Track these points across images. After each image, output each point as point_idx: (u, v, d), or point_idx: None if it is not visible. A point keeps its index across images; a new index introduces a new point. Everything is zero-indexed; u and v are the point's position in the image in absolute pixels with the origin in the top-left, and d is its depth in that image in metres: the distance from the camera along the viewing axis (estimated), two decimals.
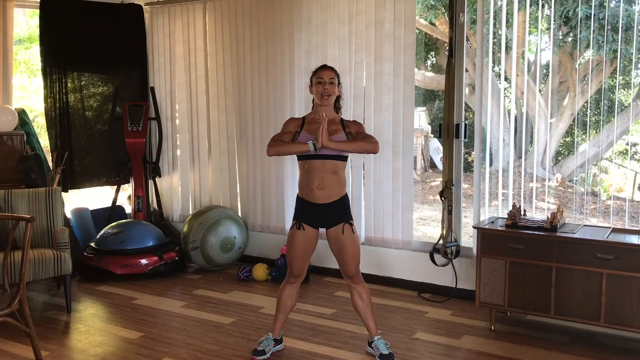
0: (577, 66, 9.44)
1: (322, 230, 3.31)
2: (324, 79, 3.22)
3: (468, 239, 4.80)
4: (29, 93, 9.90)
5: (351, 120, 3.38)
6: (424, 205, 9.86)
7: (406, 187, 4.63)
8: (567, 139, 10.42)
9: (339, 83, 3.29)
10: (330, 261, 4.82)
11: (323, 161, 3.19)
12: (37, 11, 5.38)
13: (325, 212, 3.25)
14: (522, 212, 3.90)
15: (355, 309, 3.38)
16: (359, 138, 3.22)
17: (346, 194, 3.32)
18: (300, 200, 3.33)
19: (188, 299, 4.46)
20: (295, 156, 3.42)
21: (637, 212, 8.40)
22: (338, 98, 3.34)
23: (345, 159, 3.28)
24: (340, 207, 3.28)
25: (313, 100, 3.33)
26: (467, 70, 4.57)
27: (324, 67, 3.30)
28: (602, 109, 9.37)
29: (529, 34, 9.63)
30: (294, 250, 3.31)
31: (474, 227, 3.93)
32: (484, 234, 3.74)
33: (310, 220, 3.28)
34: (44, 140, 5.75)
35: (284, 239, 5.13)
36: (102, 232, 5.10)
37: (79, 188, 5.72)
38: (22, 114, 5.23)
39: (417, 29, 7.42)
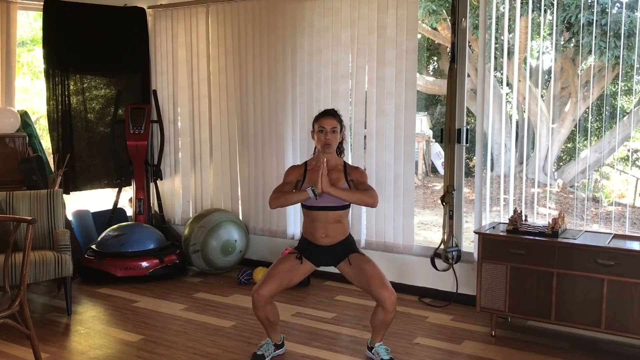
0: (579, 72, 9.45)
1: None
2: (326, 128, 3.21)
3: (469, 244, 4.80)
4: (32, 95, 9.92)
5: (354, 166, 3.38)
6: (425, 209, 9.85)
7: (407, 191, 4.63)
8: (569, 145, 10.41)
9: (341, 129, 3.29)
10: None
11: (326, 212, 3.24)
12: (41, 14, 5.40)
13: (331, 252, 3.31)
14: (523, 218, 3.90)
15: (372, 322, 3.31)
16: (360, 189, 3.23)
17: (349, 234, 3.38)
18: (304, 239, 3.37)
19: (188, 302, 4.46)
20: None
21: (639, 219, 8.39)
22: (341, 142, 3.35)
23: (347, 207, 3.31)
24: (345, 245, 3.32)
25: (315, 149, 3.34)
26: (469, 76, 4.56)
27: (326, 114, 3.27)
28: (603, 115, 9.37)
29: (531, 40, 9.64)
30: (279, 269, 3.26)
31: (475, 232, 3.93)
32: (485, 239, 3.74)
33: (313, 257, 3.32)
34: (46, 142, 5.76)
35: (285, 242, 5.14)
36: (103, 234, 5.10)
37: (81, 190, 5.72)
38: (24, 115, 5.23)
39: (419, 33, 7.42)
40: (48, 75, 5.42)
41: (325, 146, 3.21)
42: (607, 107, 9.33)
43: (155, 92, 5.85)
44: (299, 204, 3.36)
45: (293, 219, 5.20)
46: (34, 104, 9.59)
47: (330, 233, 3.27)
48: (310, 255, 3.32)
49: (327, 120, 3.24)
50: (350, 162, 4.79)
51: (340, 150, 3.37)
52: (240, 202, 5.58)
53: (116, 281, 4.84)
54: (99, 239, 5.09)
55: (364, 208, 4.81)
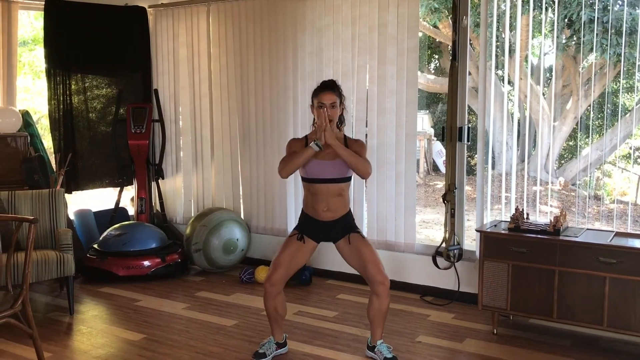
0: (580, 70, 9.44)
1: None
2: (325, 103, 3.18)
3: (471, 242, 4.80)
4: (33, 95, 9.92)
5: (354, 139, 3.38)
6: (427, 208, 9.86)
7: (409, 190, 4.63)
8: (571, 143, 10.41)
9: (341, 102, 3.26)
10: (332, 264, 4.82)
11: (328, 185, 3.23)
12: (42, 13, 5.40)
13: (331, 228, 3.30)
14: (525, 216, 3.90)
15: (369, 313, 3.31)
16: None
17: (350, 210, 3.37)
18: (305, 215, 3.35)
19: (190, 301, 4.47)
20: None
21: None
22: (341, 114, 3.33)
23: (349, 179, 3.30)
24: (345, 222, 3.32)
25: (314, 121, 3.30)
26: (470, 74, 4.56)
27: (325, 88, 3.24)
28: (605, 112, 9.36)
29: (533, 38, 9.63)
30: (284, 256, 3.28)
31: (476, 231, 3.93)
32: (487, 237, 3.73)
33: (313, 234, 3.31)
34: (48, 142, 5.76)
35: None
36: (104, 233, 5.10)
37: (82, 190, 5.73)
38: (26, 115, 5.24)
39: (420, 32, 7.40)
40: (49, 74, 5.42)
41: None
42: (609, 105, 9.32)
43: (156, 91, 5.85)
44: (301, 180, 3.36)
45: (295, 218, 5.19)
46: (36, 104, 9.60)
47: (332, 206, 3.25)
48: (310, 232, 3.30)
49: (327, 95, 3.20)
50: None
51: (341, 121, 3.35)
52: (242, 200, 5.58)
53: (118, 280, 4.84)
54: (100, 238, 5.09)
55: (365, 206, 4.82)
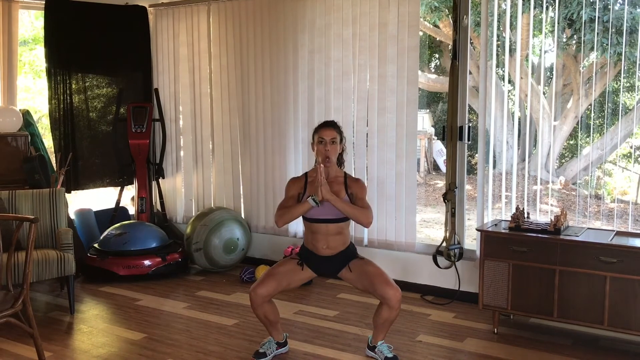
0: (581, 69, 9.44)
1: None
2: (325, 139, 3.21)
3: (471, 241, 4.80)
4: (34, 94, 9.93)
5: (354, 178, 3.36)
6: (427, 207, 9.86)
7: (409, 189, 4.63)
8: (571, 142, 10.41)
9: (341, 139, 3.29)
10: None
11: (327, 225, 3.24)
12: (42, 12, 5.40)
13: (331, 262, 3.31)
14: (526, 215, 3.90)
15: (376, 320, 3.30)
16: (358, 206, 3.21)
17: (351, 243, 3.38)
18: (305, 248, 3.37)
19: (191, 301, 4.47)
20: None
21: None
22: (341, 155, 3.34)
23: (348, 218, 3.28)
24: (346, 255, 3.32)
25: (316, 160, 3.31)
26: (470, 73, 4.56)
27: (325, 126, 3.27)
28: (606, 111, 9.36)
29: (533, 37, 9.63)
30: (280, 269, 3.28)
31: (477, 230, 3.92)
32: (487, 237, 3.73)
33: (314, 266, 3.33)
34: (48, 141, 5.76)
35: (287, 240, 5.15)
36: (105, 233, 5.10)
37: (83, 189, 5.73)
38: (26, 115, 5.24)
39: (420, 31, 7.40)
40: (50, 74, 5.43)
41: (326, 159, 3.20)
42: (610, 104, 9.32)
43: (157, 90, 5.85)
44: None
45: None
46: (36, 103, 9.61)
47: (332, 244, 3.28)
48: (310, 263, 3.33)
49: (327, 131, 3.24)
50: (352, 160, 4.80)
51: (340, 162, 3.38)
52: (242, 200, 5.58)
53: (119, 280, 4.85)
54: (101, 237, 5.09)
55: None
